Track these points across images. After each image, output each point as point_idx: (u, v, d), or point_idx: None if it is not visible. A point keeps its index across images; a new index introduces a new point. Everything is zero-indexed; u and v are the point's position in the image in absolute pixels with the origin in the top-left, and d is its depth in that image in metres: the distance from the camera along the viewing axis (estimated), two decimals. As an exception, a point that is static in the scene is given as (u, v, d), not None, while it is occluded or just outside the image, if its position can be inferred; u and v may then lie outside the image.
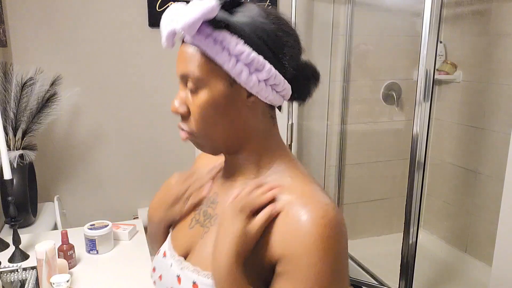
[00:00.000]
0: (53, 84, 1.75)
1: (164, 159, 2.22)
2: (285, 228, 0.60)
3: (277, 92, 0.65)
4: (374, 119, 2.58)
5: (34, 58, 1.92)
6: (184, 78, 0.64)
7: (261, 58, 0.61)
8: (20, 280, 1.15)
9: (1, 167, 1.32)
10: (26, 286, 1.12)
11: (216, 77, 0.62)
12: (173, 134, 2.21)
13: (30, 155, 1.66)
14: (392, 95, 2.51)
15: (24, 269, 1.17)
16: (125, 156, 2.18)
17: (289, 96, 0.69)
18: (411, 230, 1.74)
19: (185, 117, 0.66)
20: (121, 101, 2.11)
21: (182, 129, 0.67)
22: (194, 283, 0.65)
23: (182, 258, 0.71)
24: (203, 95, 0.63)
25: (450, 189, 2.52)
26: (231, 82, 0.62)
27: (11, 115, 1.64)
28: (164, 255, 0.75)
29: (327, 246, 0.58)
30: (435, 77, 1.61)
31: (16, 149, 1.65)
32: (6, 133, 1.62)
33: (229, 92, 0.63)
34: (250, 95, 0.64)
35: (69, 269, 1.28)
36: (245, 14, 0.62)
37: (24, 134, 1.68)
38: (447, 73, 2.39)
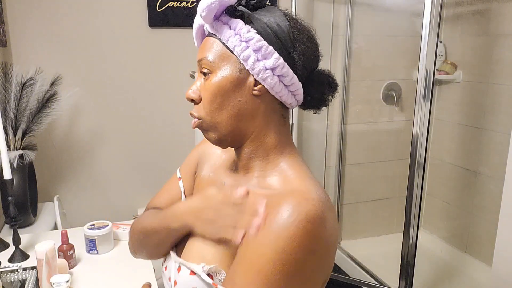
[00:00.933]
0: (53, 84, 1.75)
1: (164, 159, 2.22)
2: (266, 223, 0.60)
3: (286, 86, 0.67)
4: (374, 119, 2.58)
5: (34, 58, 1.92)
6: (200, 65, 0.68)
7: (270, 47, 0.65)
8: (20, 280, 1.15)
9: (1, 167, 1.32)
10: (26, 286, 1.12)
11: (227, 63, 0.66)
12: (173, 134, 2.21)
13: (30, 155, 1.66)
14: (392, 95, 2.51)
15: (24, 269, 1.17)
16: (125, 156, 2.18)
17: (302, 99, 0.71)
18: (411, 230, 1.74)
19: (197, 103, 0.70)
20: (121, 101, 2.11)
21: (192, 116, 0.70)
22: (191, 271, 0.68)
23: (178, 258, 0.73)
24: (213, 79, 0.67)
25: (450, 189, 2.52)
26: (241, 69, 0.66)
27: (11, 115, 1.64)
28: (165, 269, 0.78)
29: (302, 240, 0.57)
30: (435, 77, 1.61)
31: (16, 149, 1.65)
32: (6, 133, 1.62)
33: (237, 77, 0.66)
34: (257, 83, 0.66)
35: (69, 269, 1.28)
36: (264, 13, 0.67)
37: (24, 134, 1.68)
38: (447, 73, 2.40)
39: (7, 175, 1.30)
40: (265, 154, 0.70)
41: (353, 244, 2.58)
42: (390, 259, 1.99)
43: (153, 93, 2.15)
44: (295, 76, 0.67)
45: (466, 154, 2.40)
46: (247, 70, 0.65)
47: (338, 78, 2.43)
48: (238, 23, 0.65)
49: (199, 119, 0.70)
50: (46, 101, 1.71)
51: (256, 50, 0.64)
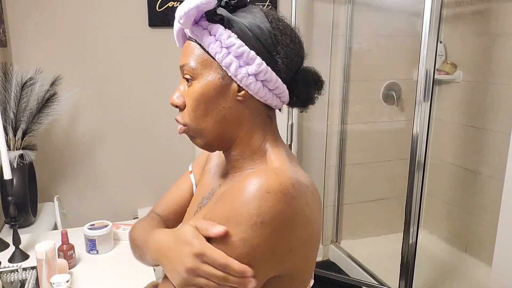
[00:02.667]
0: (53, 84, 1.75)
1: (164, 159, 2.22)
2: (229, 193, 0.60)
3: (270, 90, 0.66)
4: (374, 119, 2.58)
5: (34, 58, 1.92)
6: (182, 71, 0.68)
7: (252, 52, 0.63)
8: (20, 280, 1.15)
9: (1, 167, 1.32)
10: (26, 286, 1.12)
11: (209, 69, 0.65)
12: (173, 134, 2.21)
13: (30, 155, 1.66)
14: (392, 95, 2.51)
15: (24, 269, 1.17)
16: (125, 156, 2.18)
17: (288, 99, 0.70)
18: (411, 230, 1.74)
19: (181, 109, 0.69)
20: (121, 101, 2.12)
21: (178, 123, 0.70)
22: None
23: None
24: (196, 86, 0.66)
25: (450, 189, 2.52)
26: (223, 76, 0.65)
27: (11, 115, 1.64)
28: None
29: (261, 219, 0.55)
30: (435, 77, 1.61)
31: (16, 149, 1.65)
32: (6, 133, 1.62)
33: (220, 84, 0.65)
34: (241, 89, 0.66)
35: (69, 269, 1.28)
36: (244, 14, 0.65)
37: (24, 134, 1.68)
38: (447, 73, 2.40)
39: (7, 175, 1.30)
40: (251, 154, 0.70)
41: (353, 244, 2.58)
42: (390, 259, 1.99)
43: (153, 93, 2.15)
44: (279, 79, 0.66)
45: (466, 154, 2.40)
46: (230, 76, 0.65)
47: (338, 78, 2.45)
48: (218, 28, 0.63)
49: (184, 125, 0.69)
50: (46, 101, 1.71)
51: (237, 56, 0.63)
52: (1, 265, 1.20)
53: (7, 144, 1.38)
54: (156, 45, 2.10)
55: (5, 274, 1.15)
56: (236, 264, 0.56)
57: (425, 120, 1.63)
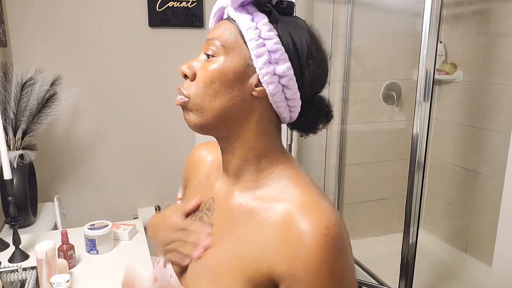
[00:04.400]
0: (53, 84, 1.75)
1: (165, 159, 2.22)
2: (288, 246, 0.58)
3: (286, 98, 0.65)
4: (374, 119, 2.58)
5: (34, 58, 1.92)
6: (208, 44, 0.65)
7: (285, 54, 0.62)
8: (20, 280, 1.15)
9: (1, 167, 1.32)
10: (26, 286, 1.12)
11: (236, 53, 0.63)
12: (173, 134, 2.21)
13: (30, 155, 1.66)
14: (392, 95, 2.50)
15: (24, 269, 1.17)
16: (125, 156, 2.18)
17: (296, 118, 0.68)
18: (411, 230, 1.74)
19: (189, 81, 0.66)
20: (121, 101, 2.12)
21: (179, 93, 0.67)
22: None
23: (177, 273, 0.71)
24: (216, 62, 0.63)
25: (450, 189, 2.52)
26: (248, 64, 0.63)
27: (11, 115, 1.64)
28: (164, 265, 0.73)
29: (331, 267, 0.57)
30: (435, 77, 1.60)
31: (16, 149, 1.65)
32: (6, 133, 1.62)
33: (241, 71, 0.63)
34: (259, 85, 0.63)
35: (69, 269, 1.28)
36: (290, 19, 0.65)
37: (24, 134, 1.68)
38: (447, 73, 2.39)
39: (7, 175, 1.30)
40: (256, 160, 0.66)
41: (353, 244, 2.55)
42: (390, 259, 1.98)
43: (153, 93, 2.15)
44: (298, 93, 0.64)
45: (466, 154, 2.40)
46: (254, 68, 0.62)
47: (338, 78, 2.45)
48: (263, 18, 0.62)
49: (186, 97, 0.65)
50: (46, 101, 1.71)
51: (271, 52, 0.61)
52: (1, 265, 1.20)
53: (7, 144, 1.38)
54: (156, 45, 2.10)
55: (5, 274, 1.15)
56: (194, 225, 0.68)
57: (425, 120, 1.63)
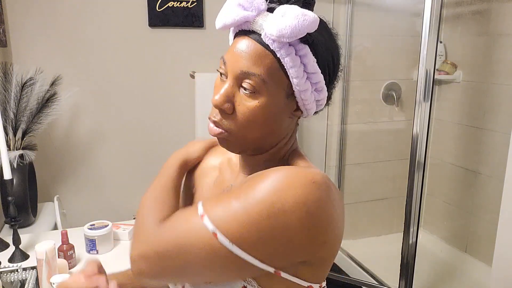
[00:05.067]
0: (53, 84, 1.75)
1: (165, 159, 2.21)
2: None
3: (316, 108, 0.68)
4: (374, 119, 2.58)
5: (34, 58, 1.92)
6: (243, 76, 0.60)
7: (323, 81, 0.63)
8: (20, 280, 1.15)
9: (1, 167, 1.32)
10: (26, 286, 1.12)
11: (278, 87, 0.61)
12: (173, 134, 2.21)
13: (30, 155, 1.66)
14: (392, 95, 2.50)
15: (24, 269, 1.17)
16: (125, 156, 2.17)
17: None
18: (411, 230, 1.74)
19: (226, 114, 0.63)
20: (121, 101, 2.11)
21: (216, 125, 0.64)
22: None
23: None
24: (260, 100, 0.61)
25: (450, 189, 2.52)
26: (289, 94, 0.63)
27: (11, 115, 1.64)
28: None
29: (302, 194, 0.55)
30: (435, 77, 1.61)
31: (16, 149, 1.65)
32: (6, 133, 1.62)
33: (283, 103, 0.63)
34: (297, 108, 0.65)
35: (69, 269, 1.28)
36: (322, 33, 0.62)
37: (24, 134, 1.68)
38: (447, 73, 2.39)
39: (7, 175, 1.30)
40: (279, 158, 0.70)
41: (353, 244, 2.58)
42: (390, 259, 1.98)
43: (153, 93, 2.15)
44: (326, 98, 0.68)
45: (466, 154, 2.40)
46: (295, 96, 0.63)
47: (338, 78, 2.44)
48: (307, 51, 0.60)
49: (226, 131, 0.64)
50: (46, 101, 1.71)
51: (314, 83, 0.62)
52: (1, 265, 1.20)
53: (7, 144, 1.38)
54: (156, 45, 2.10)
55: (5, 274, 1.15)
56: None
57: (425, 120, 1.63)
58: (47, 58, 1.94)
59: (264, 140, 0.66)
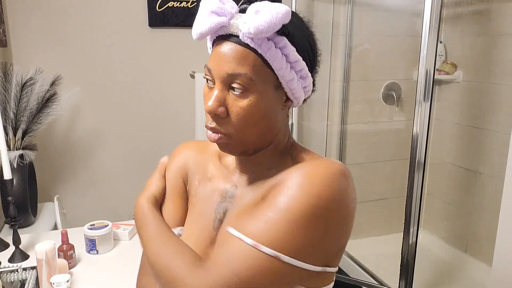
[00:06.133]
0: (53, 84, 1.75)
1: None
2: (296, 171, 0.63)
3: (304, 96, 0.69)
4: (374, 119, 2.58)
5: (34, 58, 1.92)
6: (231, 78, 0.62)
7: (306, 67, 0.65)
8: (20, 280, 1.15)
9: (1, 167, 1.32)
10: (26, 286, 1.12)
11: (266, 82, 0.63)
12: (173, 134, 2.21)
13: (30, 155, 1.66)
14: (392, 95, 2.50)
15: (24, 269, 1.17)
16: (125, 156, 2.17)
17: None
18: (411, 230, 1.74)
19: (221, 118, 0.64)
20: (121, 101, 2.11)
21: (214, 131, 0.65)
22: None
23: None
24: (251, 98, 0.62)
25: (450, 189, 2.52)
26: (277, 87, 0.64)
27: (11, 115, 1.64)
28: None
29: (322, 189, 0.59)
30: (435, 77, 1.60)
31: (16, 149, 1.65)
32: (6, 133, 1.62)
33: (275, 97, 0.65)
34: (287, 99, 0.67)
35: (69, 269, 1.28)
36: (295, 22, 0.64)
37: (24, 134, 1.68)
38: (447, 73, 2.39)
39: (7, 175, 1.30)
40: (279, 153, 0.71)
41: (353, 244, 2.56)
42: (390, 259, 1.98)
43: (153, 93, 2.15)
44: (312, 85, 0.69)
45: (466, 154, 2.40)
46: (283, 87, 0.65)
47: (338, 78, 2.44)
48: (286, 42, 0.61)
49: (225, 135, 0.65)
50: (46, 101, 1.71)
51: (298, 71, 0.64)
52: (1, 265, 1.20)
53: (7, 144, 1.38)
54: (156, 45, 2.10)
55: (5, 274, 1.15)
56: None
57: (425, 120, 1.62)
58: (47, 58, 1.94)
59: (263, 137, 0.67)
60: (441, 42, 2.41)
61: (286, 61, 0.62)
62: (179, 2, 2.08)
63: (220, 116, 0.63)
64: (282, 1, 2.25)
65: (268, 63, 0.62)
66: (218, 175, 0.76)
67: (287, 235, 0.57)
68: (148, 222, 0.75)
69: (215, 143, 0.67)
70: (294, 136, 2.34)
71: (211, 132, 0.65)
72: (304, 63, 0.64)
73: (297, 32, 0.63)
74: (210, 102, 0.63)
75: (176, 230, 0.75)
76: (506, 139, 1.54)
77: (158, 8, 2.06)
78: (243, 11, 0.63)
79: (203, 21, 0.62)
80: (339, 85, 2.46)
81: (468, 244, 2.40)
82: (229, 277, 0.57)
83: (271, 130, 0.67)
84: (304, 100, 0.70)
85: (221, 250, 0.60)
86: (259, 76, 0.62)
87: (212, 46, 0.66)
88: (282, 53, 0.61)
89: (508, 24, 2.10)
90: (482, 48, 2.26)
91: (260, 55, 0.61)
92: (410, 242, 1.76)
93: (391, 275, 1.98)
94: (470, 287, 2.24)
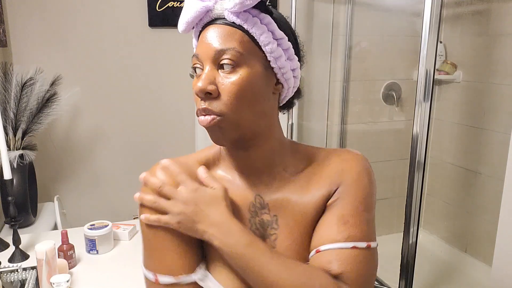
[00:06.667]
0: (53, 84, 1.75)
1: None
2: (335, 168, 0.70)
3: (294, 85, 0.69)
4: (374, 119, 2.58)
5: (34, 58, 1.92)
6: (219, 55, 0.60)
7: (292, 48, 0.65)
8: (20, 280, 1.15)
9: (1, 167, 1.32)
10: (26, 286, 1.12)
11: (255, 58, 0.62)
12: (173, 134, 2.21)
13: (30, 155, 1.66)
14: (392, 95, 2.50)
15: (24, 269, 1.17)
16: (125, 156, 2.17)
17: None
18: (411, 230, 1.74)
19: (213, 97, 0.61)
20: (121, 101, 2.12)
21: (206, 113, 0.62)
22: None
23: None
24: (242, 72, 0.61)
25: (450, 189, 2.52)
26: (266, 66, 0.63)
27: (11, 115, 1.64)
28: None
29: (371, 176, 0.77)
30: (435, 77, 1.60)
31: (16, 149, 1.65)
32: (6, 133, 1.62)
33: (265, 75, 0.64)
34: (277, 82, 0.66)
35: (69, 269, 1.28)
36: (277, 13, 0.66)
37: (24, 134, 1.68)
38: (447, 73, 2.39)
39: (7, 175, 1.30)
40: (280, 148, 0.70)
41: (353, 244, 2.57)
42: (390, 259, 1.98)
43: (153, 93, 2.15)
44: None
45: (466, 154, 2.40)
46: (272, 68, 0.64)
47: (338, 78, 2.44)
48: (270, 20, 0.62)
49: (219, 115, 0.61)
50: (46, 101, 1.71)
51: (285, 50, 0.63)
52: (1, 265, 1.20)
53: (7, 144, 1.38)
54: (156, 45, 2.10)
55: (5, 274, 1.15)
56: None
57: (425, 120, 1.62)
58: (47, 58, 1.94)
59: (257, 123, 0.64)
60: (441, 42, 2.41)
61: (272, 37, 0.62)
62: (179, 2, 2.08)
63: (211, 95, 0.61)
64: (282, 1, 2.25)
65: (255, 41, 0.62)
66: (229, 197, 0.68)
67: (368, 225, 0.76)
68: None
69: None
70: (294, 136, 2.34)
71: (202, 116, 0.62)
72: (290, 43, 0.64)
73: (279, 17, 0.65)
74: (200, 82, 0.61)
75: (200, 271, 0.70)
76: (506, 139, 1.54)
77: (158, 8, 2.06)
78: None
79: (189, 8, 0.63)
80: (339, 85, 2.46)
81: (468, 244, 2.40)
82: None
83: (265, 115, 0.65)
84: (295, 97, 0.71)
85: (349, 267, 0.69)
86: (247, 51, 0.61)
87: (198, 39, 0.66)
88: (268, 29, 0.62)
89: (508, 24, 2.10)
90: (482, 48, 2.26)
91: (246, 32, 0.61)
92: (410, 242, 1.76)
93: (391, 275, 1.98)
94: (470, 287, 2.24)
